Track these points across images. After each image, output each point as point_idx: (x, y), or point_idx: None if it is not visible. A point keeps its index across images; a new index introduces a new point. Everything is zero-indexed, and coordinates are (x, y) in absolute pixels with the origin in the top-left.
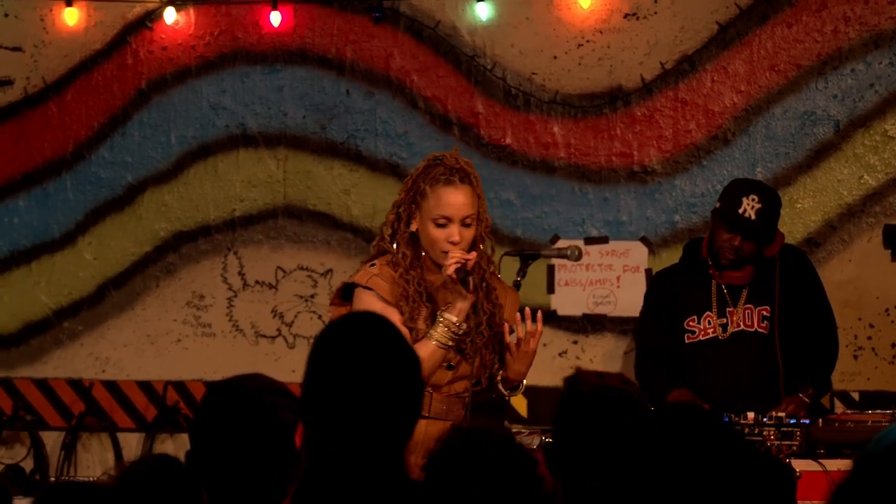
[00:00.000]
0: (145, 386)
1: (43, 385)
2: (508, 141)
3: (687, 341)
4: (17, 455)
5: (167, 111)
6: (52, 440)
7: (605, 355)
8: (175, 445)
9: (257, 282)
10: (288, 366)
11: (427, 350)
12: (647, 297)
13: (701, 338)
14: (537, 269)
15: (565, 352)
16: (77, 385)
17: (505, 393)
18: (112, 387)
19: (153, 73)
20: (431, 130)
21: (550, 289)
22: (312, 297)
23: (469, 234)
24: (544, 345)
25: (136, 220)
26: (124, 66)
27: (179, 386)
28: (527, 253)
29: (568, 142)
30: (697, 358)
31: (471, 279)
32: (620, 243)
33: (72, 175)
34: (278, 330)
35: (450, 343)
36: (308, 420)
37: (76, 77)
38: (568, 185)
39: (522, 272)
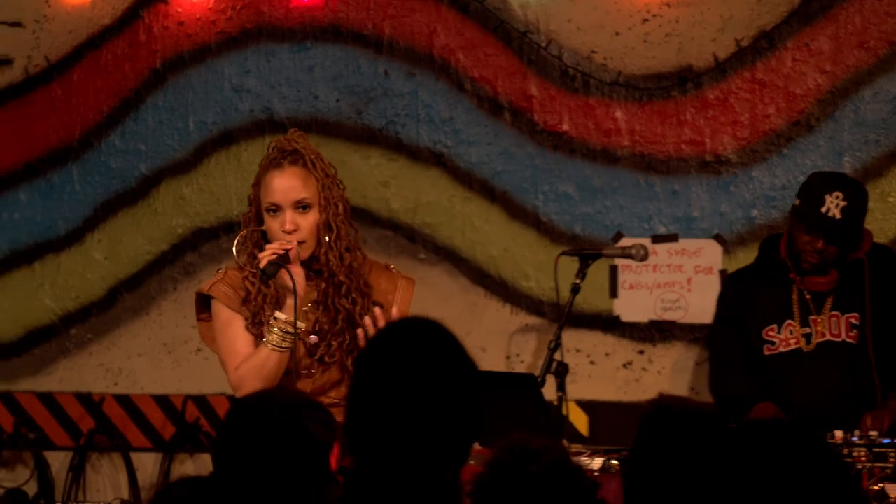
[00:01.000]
0: (162, 400)
1: (48, 399)
2: (565, 127)
3: (766, 353)
4: (20, 478)
5: (185, 94)
6: (59, 461)
7: (673, 367)
8: (195, 466)
9: None
10: None
11: (262, 355)
12: (720, 301)
13: (782, 349)
14: (598, 271)
15: (630, 363)
16: (86, 399)
17: None
18: (125, 401)
19: (169, 52)
20: (479, 115)
21: (613, 293)
22: None
23: (307, 220)
24: (606, 355)
25: (151, 215)
26: (137, 43)
27: (200, 401)
28: (586, 253)
29: (632, 128)
30: (778, 371)
31: (293, 270)
32: (691, 241)
33: (79, 165)
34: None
35: (286, 345)
36: (353, 441)
37: (83, 55)
38: (632, 177)
39: (582, 274)
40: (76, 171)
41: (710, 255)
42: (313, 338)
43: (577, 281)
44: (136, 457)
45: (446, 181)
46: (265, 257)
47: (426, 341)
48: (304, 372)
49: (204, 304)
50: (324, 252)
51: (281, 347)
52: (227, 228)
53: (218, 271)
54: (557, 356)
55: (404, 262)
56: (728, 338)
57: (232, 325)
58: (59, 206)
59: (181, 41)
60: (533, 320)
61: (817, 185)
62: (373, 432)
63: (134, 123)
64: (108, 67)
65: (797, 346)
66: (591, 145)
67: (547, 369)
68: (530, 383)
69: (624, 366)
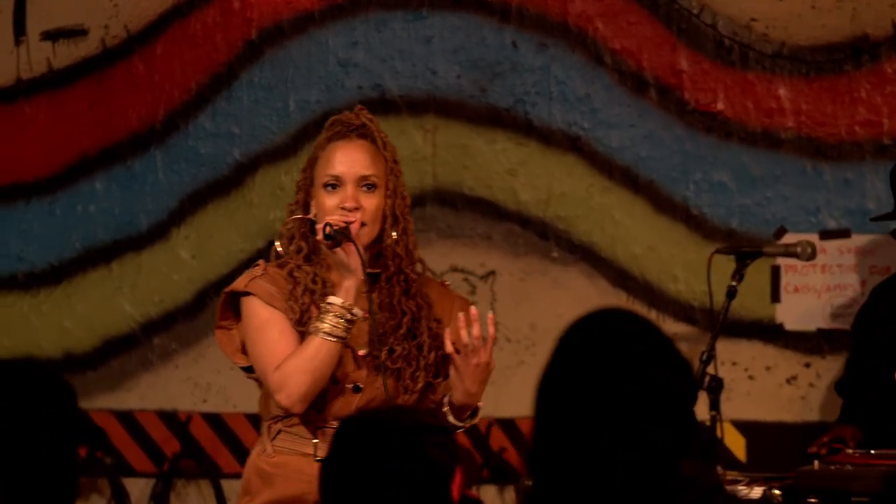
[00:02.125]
0: (257, 420)
1: (127, 419)
2: (720, 106)
3: None
4: None
5: (284, 69)
6: (139, 489)
7: None
8: None
9: None
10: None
11: (312, 347)
12: (855, 328)
13: None
14: (758, 272)
15: (794, 377)
16: (170, 419)
17: (458, 424)
18: (215, 421)
19: (266, 21)
20: (620, 93)
21: (775, 297)
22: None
23: (371, 202)
24: (766, 369)
25: (246, 207)
26: (229, 11)
27: None
28: (745, 250)
29: (798, 107)
30: None
31: (352, 243)
32: (865, 237)
33: (163, 150)
34: None
35: (339, 333)
36: (540, 466)
37: (168, 25)
38: (798, 164)
39: (739, 275)
40: (160, 158)
41: (888, 253)
42: (361, 352)
43: (734, 283)
44: (226, 483)
45: (583, 169)
46: (323, 226)
47: (629, 336)
48: (349, 386)
49: (231, 306)
50: (389, 245)
51: (334, 336)
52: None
53: (254, 267)
54: (711, 370)
55: (534, 262)
56: (856, 378)
57: (273, 324)
58: (141, 198)
59: (280, 9)
60: (682, 328)
61: None
62: (562, 449)
63: (226, 103)
64: (197, 39)
65: None
66: (750, 127)
67: (699, 385)
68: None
69: (787, 381)
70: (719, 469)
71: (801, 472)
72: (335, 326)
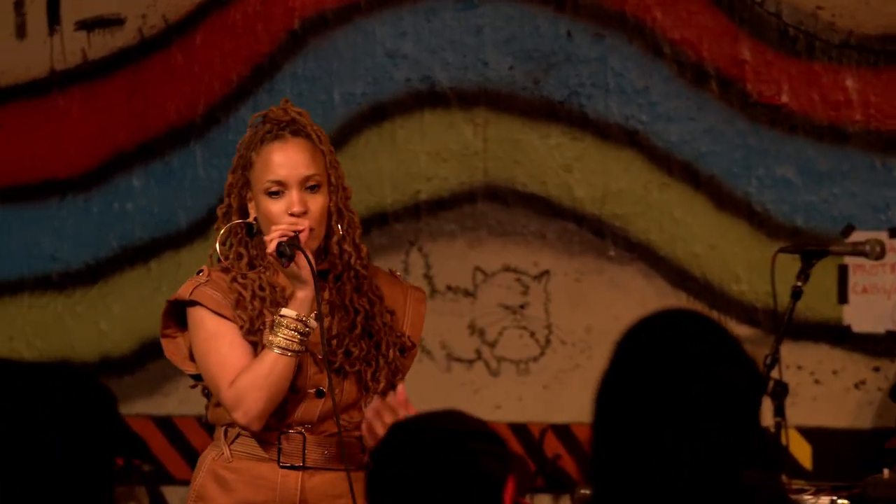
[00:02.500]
0: None
1: (166, 424)
2: (785, 99)
3: None
4: None
5: (328, 60)
6: (178, 497)
7: None
8: None
9: (449, 287)
10: (491, 399)
11: (267, 362)
12: None
13: None
14: (824, 271)
15: (863, 382)
16: (210, 424)
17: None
18: None
19: (309, 10)
20: (680, 85)
21: (843, 298)
22: (523, 307)
23: (318, 202)
24: (834, 373)
25: None
26: None
27: None
28: (810, 249)
29: (866, 99)
30: None
31: (303, 254)
32: None
33: (203, 145)
34: (478, 351)
35: (295, 347)
36: (598, 476)
37: (207, 15)
38: (866, 158)
39: (804, 275)
40: (199, 153)
41: None
42: (320, 355)
43: (799, 283)
44: None
45: (640, 164)
46: (274, 238)
47: (701, 339)
48: (311, 391)
49: (175, 315)
50: (336, 242)
51: (290, 350)
52: (380, 221)
53: (198, 273)
54: (775, 374)
55: (590, 261)
56: None
57: (223, 335)
58: (179, 194)
59: None
60: (745, 331)
61: None
62: (633, 460)
63: (268, 96)
64: (238, 29)
65: None
66: (816, 121)
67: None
68: None
69: (856, 386)
70: (784, 477)
71: (870, 481)
72: (290, 340)
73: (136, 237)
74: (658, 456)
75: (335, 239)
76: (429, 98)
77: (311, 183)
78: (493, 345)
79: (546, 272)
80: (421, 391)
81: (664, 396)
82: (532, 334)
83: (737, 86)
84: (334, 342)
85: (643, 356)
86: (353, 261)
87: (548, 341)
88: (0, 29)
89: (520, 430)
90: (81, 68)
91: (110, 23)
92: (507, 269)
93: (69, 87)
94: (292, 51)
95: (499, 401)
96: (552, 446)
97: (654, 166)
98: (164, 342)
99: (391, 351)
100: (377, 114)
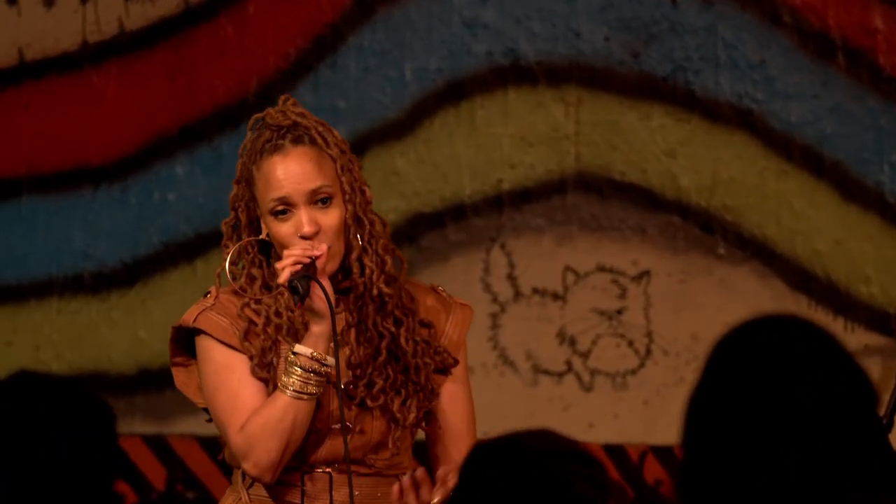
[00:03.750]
0: None
1: (211, 446)
2: None
3: None
4: None
5: (399, 31)
6: None
7: None
8: None
9: (535, 290)
10: (584, 416)
11: (280, 406)
12: None
13: None
14: None
15: None
16: None
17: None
18: None
19: None
20: (801, 57)
21: None
22: (620, 312)
23: (331, 218)
24: None
25: None
26: None
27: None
28: None
29: None
30: None
31: (318, 284)
32: None
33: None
34: (568, 363)
35: (311, 390)
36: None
37: None
38: None
39: None
40: None
41: None
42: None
43: None
44: None
45: (755, 149)
46: (286, 266)
47: (808, 347)
48: (335, 427)
49: (183, 342)
50: (356, 258)
51: (305, 394)
52: (457, 214)
53: (206, 296)
54: None
55: (697, 260)
56: None
57: (231, 370)
58: (229, 184)
59: None
60: (875, 339)
61: None
62: (730, 477)
63: (330, 72)
64: None
65: None
66: None
67: (895, 407)
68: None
69: None
70: None
71: None
72: (305, 382)
73: (179, 232)
74: (755, 478)
75: (355, 255)
76: (513, 74)
77: (319, 196)
78: (585, 355)
79: (646, 272)
80: (503, 408)
81: (763, 409)
82: (630, 343)
83: (867, 58)
84: (356, 371)
85: (740, 365)
86: (374, 277)
87: (648, 351)
88: None
89: (616, 452)
90: (118, 40)
91: None
92: (601, 269)
93: (104, 62)
94: (358, 20)
95: (592, 419)
96: (653, 471)
97: (771, 151)
98: (174, 371)
99: (422, 374)
100: (454, 92)
